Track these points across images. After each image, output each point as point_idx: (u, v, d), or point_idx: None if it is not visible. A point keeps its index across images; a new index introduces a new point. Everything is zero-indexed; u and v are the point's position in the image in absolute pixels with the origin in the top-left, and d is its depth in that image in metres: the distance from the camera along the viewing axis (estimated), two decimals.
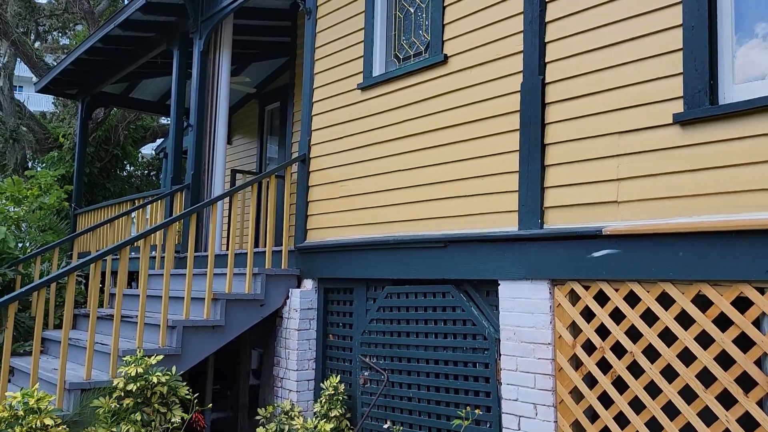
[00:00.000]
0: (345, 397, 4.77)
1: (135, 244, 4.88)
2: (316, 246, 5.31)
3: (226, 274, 5.35)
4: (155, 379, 4.24)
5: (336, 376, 4.81)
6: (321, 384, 4.90)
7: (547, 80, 3.81)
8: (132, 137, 20.04)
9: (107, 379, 4.41)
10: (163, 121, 22.50)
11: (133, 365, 4.25)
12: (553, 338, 3.60)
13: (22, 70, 22.04)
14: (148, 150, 24.37)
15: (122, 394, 4.20)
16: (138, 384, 4.18)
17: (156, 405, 4.23)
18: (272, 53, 9.68)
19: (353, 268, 4.92)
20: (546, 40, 3.84)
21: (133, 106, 11.32)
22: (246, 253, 5.49)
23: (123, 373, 4.23)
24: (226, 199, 7.33)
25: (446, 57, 4.43)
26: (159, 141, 23.92)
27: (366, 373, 4.72)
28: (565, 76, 3.72)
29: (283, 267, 5.43)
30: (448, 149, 4.36)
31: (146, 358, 4.37)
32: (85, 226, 10.16)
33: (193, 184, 7.30)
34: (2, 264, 6.06)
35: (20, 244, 6.72)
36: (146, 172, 23.01)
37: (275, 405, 5.07)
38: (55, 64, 18.97)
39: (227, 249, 7.85)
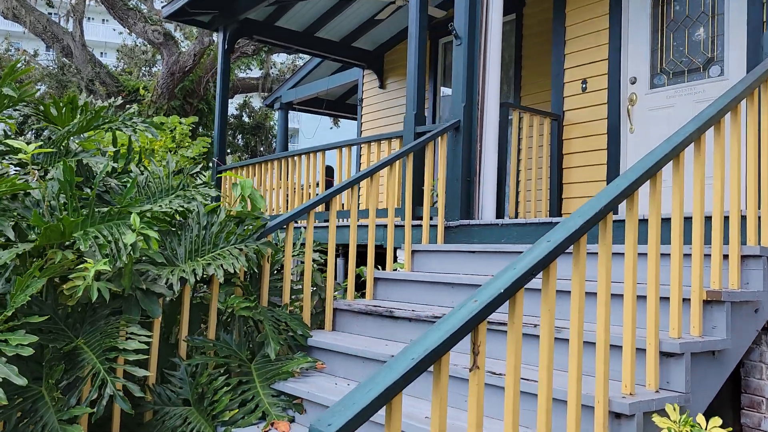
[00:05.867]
0: None
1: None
2: None
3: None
4: None
5: None
6: None
7: None
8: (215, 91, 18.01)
9: None
10: (241, 75, 20.25)
11: None
12: None
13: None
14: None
15: None
16: None
17: None
18: None
19: None
20: None
21: (278, 38, 9.07)
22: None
23: None
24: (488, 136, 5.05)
25: None
26: (238, 97, 21.76)
27: None
28: None
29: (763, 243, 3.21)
30: None
31: (685, 417, 2.22)
32: (229, 185, 8.06)
33: (464, 123, 5.09)
34: (247, 234, 3.92)
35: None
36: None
37: None
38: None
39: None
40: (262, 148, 20.78)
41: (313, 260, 4.51)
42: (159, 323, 3.60)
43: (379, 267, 5.37)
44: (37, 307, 3.15)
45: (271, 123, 21.20)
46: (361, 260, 5.85)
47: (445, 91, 9.23)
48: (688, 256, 3.00)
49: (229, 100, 20.82)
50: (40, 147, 3.71)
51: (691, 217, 2.84)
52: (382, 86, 10.07)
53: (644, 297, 2.77)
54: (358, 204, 5.10)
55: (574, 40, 5.85)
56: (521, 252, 4.11)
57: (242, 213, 4.02)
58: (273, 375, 3.58)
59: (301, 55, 20.97)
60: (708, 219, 3.02)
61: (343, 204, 6.84)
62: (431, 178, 4.97)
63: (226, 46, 8.47)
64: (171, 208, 3.77)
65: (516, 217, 5.49)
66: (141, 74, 21.02)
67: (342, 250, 6.86)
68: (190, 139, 9.05)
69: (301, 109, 12.53)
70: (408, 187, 4.82)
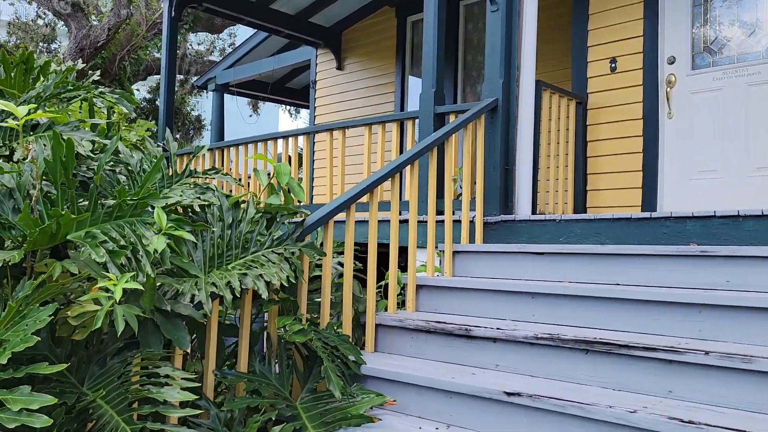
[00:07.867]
0: None
1: None
2: None
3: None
4: None
5: None
6: None
7: None
8: (131, 72, 16.45)
9: None
10: (156, 54, 18.54)
11: None
12: None
13: None
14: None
15: None
16: None
17: None
18: None
19: None
20: None
21: (230, 7, 7.97)
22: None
23: None
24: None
25: None
26: (149, 79, 19.95)
27: None
28: None
29: None
30: None
31: None
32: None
33: (503, 103, 4.39)
34: (284, 234, 3.02)
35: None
36: (134, 116, 19.20)
37: None
38: None
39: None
40: (178, 135, 19.22)
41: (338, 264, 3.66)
42: (182, 357, 2.66)
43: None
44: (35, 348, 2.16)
45: (188, 108, 19.65)
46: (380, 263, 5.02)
47: (413, 80, 8.47)
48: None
49: (142, 83, 19.10)
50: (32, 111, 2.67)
51: None
52: (339, 67, 9.20)
53: None
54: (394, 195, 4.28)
55: (599, 14, 5.27)
56: (594, 254, 3.47)
57: (273, 207, 3.12)
58: (338, 419, 2.73)
59: (222, 36, 19.57)
60: None
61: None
62: (469, 167, 4.24)
63: (173, 14, 7.33)
64: (187, 200, 2.83)
65: (543, 212, 4.85)
66: (39, 50, 18.93)
67: (361, 250, 5.99)
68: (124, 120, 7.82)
69: (240, 92, 11.40)
70: (447, 177, 4.06)
